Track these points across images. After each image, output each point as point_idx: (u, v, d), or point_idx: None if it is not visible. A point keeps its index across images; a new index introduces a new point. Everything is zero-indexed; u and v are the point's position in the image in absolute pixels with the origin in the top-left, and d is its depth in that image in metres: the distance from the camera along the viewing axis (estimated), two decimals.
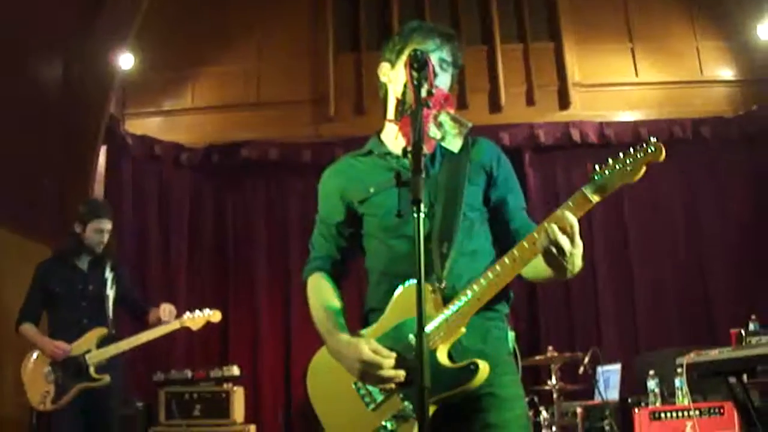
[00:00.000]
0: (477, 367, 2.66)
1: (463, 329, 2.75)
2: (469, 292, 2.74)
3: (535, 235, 2.64)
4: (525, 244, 2.68)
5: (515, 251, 2.71)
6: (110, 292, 6.06)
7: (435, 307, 2.76)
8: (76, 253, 6.13)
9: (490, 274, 2.73)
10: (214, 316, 6.49)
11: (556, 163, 10.21)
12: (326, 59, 10.78)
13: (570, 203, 2.62)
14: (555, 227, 2.54)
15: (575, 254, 2.57)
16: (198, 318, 6.37)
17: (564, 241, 2.53)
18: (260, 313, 10.09)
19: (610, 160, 2.63)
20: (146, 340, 6.08)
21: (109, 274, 6.11)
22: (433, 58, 2.96)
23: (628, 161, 2.60)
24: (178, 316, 6.34)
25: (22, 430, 7.25)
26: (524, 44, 10.85)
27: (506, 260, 2.72)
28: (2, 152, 7.70)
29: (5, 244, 7.91)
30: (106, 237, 6.10)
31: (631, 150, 2.62)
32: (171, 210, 10.33)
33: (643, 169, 2.60)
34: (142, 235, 10.05)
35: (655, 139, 2.62)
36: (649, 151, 2.60)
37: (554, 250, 2.54)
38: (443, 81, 3.03)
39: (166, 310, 6.19)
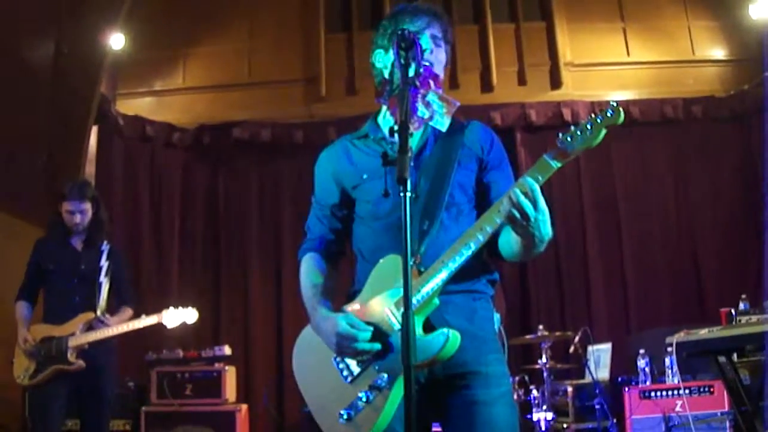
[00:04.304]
0: (448, 336, 2.70)
1: (436, 301, 2.79)
2: (439, 265, 2.77)
3: (501, 202, 2.67)
4: (491, 213, 2.73)
5: (482, 221, 2.76)
6: (104, 280, 6.05)
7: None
8: (67, 232, 6.12)
9: (458, 246, 2.76)
10: (191, 316, 6.48)
11: (547, 142, 10.11)
12: (318, 39, 10.75)
13: (532, 170, 2.67)
14: (517, 191, 2.58)
15: (540, 219, 2.61)
16: (175, 317, 6.37)
17: (526, 204, 2.57)
18: (252, 293, 10.11)
19: (572, 127, 2.68)
20: (125, 331, 6.06)
21: (104, 263, 6.11)
22: (426, 35, 3.02)
23: (588, 126, 2.65)
24: (164, 307, 6.35)
25: (15, 411, 7.29)
26: (516, 24, 10.83)
27: (474, 231, 2.76)
28: None
29: None
30: (78, 217, 6.04)
31: (592, 115, 2.68)
32: (162, 190, 10.32)
33: (603, 132, 2.65)
34: (134, 215, 10.04)
35: (614, 104, 2.67)
36: (608, 115, 2.65)
37: (517, 214, 2.58)
38: (439, 57, 3.07)
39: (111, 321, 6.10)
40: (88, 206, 6.09)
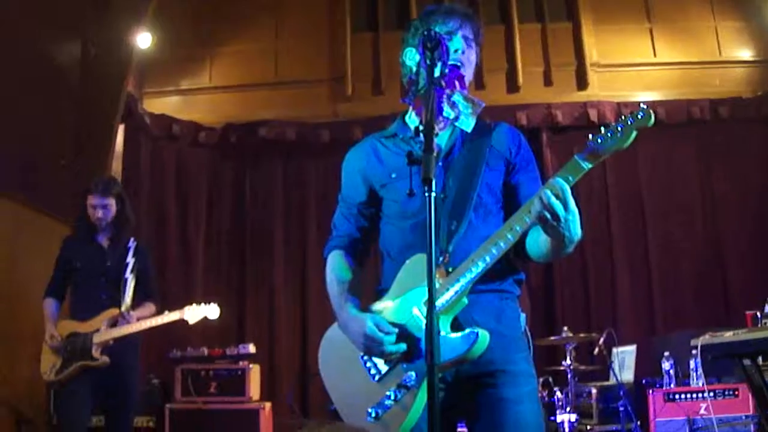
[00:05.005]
0: (477, 335, 2.71)
1: (465, 300, 2.81)
2: (468, 264, 2.79)
3: (531, 203, 2.69)
4: (521, 213, 2.75)
5: (512, 221, 2.77)
6: (130, 277, 6.08)
7: (438, 280, 2.80)
8: (93, 229, 6.16)
9: (488, 245, 2.78)
10: (212, 312, 6.52)
11: (573, 143, 10.11)
12: (344, 38, 10.76)
13: (563, 171, 2.69)
14: (549, 192, 2.61)
15: (570, 220, 2.64)
16: (197, 312, 6.40)
17: (557, 205, 2.59)
18: (277, 292, 10.13)
19: (603, 129, 2.70)
20: (147, 327, 6.09)
21: (131, 259, 6.13)
22: (458, 36, 3.05)
23: (619, 128, 2.67)
24: (189, 304, 6.39)
25: (40, 408, 7.35)
26: (542, 24, 10.81)
27: (504, 231, 2.77)
28: (22, 132, 7.75)
29: (24, 221, 7.96)
30: (100, 212, 6.07)
31: (623, 116, 2.69)
32: (189, 189, 10.36)
33: (634, 134, 2.66)
34: (160, 214, 10.09)
35: (645, 106, 2.69)
36: (639, 116, 2.66)
37: (548, 215, 2.60)
38: (470, 58, 3.10)
39: (134, 318, 6.13)
40: (111, 202, 6.11)
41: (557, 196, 2.59)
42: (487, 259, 2.76)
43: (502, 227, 2.79)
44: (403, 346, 2.83)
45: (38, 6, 7.89)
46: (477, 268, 2.77)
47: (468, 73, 3.08)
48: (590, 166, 2.69)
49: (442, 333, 2.74)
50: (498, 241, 2.76)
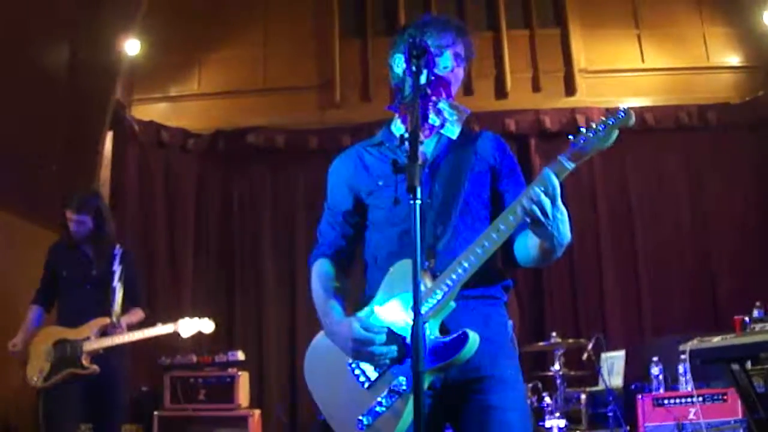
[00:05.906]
0: (467, 336, 2.69)
1: (452, 303, 2.79)
2: (456, 267, 2.78)
3: (519, 201, 2.68)
4: (507, 213, 2.74)
5: (498, 221, 2.76)
6: (117, 285, 6.06)
7: (425, 283, 2.80)
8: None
9: (474, 247, 2.77)
10: (207, 326, 6.51)
11: (561, 149, 10.08)
12: (332, 45, 10.76)
13: (549, 170, 2.68)
14: (537, 188, 2.61)
15: (558, 218, 2.65)
16: (191, 326, 6.39)
17: (545, 200, 2.60)
18: (266, 299, 10.11)
19: (584, 129, 2.71)
20: (140, 338, 6.08)
21: (117, 267, 6.11)
22: (449, 53, 3.04)
23: (600, 128, 2.68)
24: (177, 312, 6.38)
25: (28, 414, 7.32)
26: (530, 30, 10.82)
27: (490, 231, 2.77)
28: (9, 138, 7.72)
29: (12, 229, 7.94)
30: (74, 226, 6.07)
31: (603, 117, 2.71)
32: (177, 196, 10.33)
33: (615, 134, 2.68)
34: (148, 220, 10.06)
35: (625, 107, 2.70)
36: (620, 117, 2.67)
37: (537, 210, 2.60)
38: (458, 75, 3.10)
39: (124, 325, 6.12)
40: (85, 219, 6.08)
41: (546, 192, 2.60)
42: (473, 259, 2.75)
43: (488, 228, 2.79)
44: (393, 348, 2.80)
45: (26, 10, 7.87)
46: (463, 269, 2.76)
47: (454, 89, 3.08)
48: (573, 166, 2.70)
49: (431, 336, 2.73)
50: (483, 242, 2.75)
